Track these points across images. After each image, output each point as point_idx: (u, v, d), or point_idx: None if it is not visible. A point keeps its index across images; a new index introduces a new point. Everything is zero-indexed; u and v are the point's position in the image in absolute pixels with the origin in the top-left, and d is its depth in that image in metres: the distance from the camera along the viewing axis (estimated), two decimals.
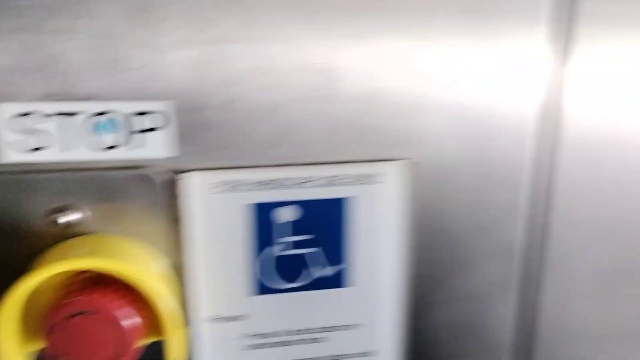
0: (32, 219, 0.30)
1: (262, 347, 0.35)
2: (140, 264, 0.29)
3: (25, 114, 0.29)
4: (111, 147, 0.30)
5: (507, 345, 0.39)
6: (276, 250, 0.33)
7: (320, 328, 0.35)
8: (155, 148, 0.30)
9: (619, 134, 0.36)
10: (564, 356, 0.39)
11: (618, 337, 0.40)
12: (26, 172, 0.29)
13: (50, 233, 0.30)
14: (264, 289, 0.34)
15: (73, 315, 0.27)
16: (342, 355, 0.36)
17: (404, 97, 0.32)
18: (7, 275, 0.30)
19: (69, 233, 0.30)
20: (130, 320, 0.28)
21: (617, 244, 0.38)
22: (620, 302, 0.39)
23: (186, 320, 0.33)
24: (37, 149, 0.29)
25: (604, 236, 0.38)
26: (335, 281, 0.34)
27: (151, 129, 0.30)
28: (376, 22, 0.31)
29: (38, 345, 0.29)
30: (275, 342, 0.35)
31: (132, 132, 0.30)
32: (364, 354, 0.36)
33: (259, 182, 0.32)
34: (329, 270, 0.34)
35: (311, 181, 0.32)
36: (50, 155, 0.29)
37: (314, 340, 0.35)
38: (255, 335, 0.34)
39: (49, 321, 0.27)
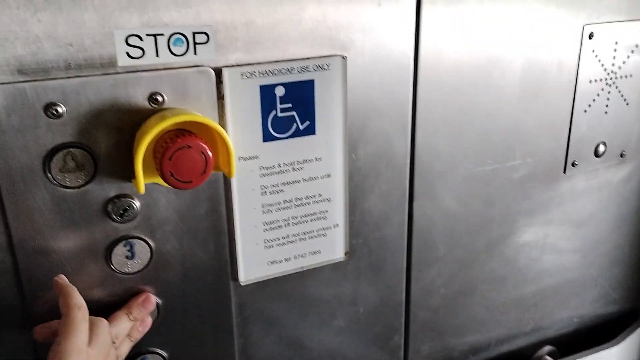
0: (135, 100, 0.50)
1: (268, 175, 0.58)
2: (205, 122, 0.51)
3: (131, 35, 0.48)
4: (182, 54, 0.50)
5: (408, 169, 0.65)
6: (272, 114, 0.56)
7: (301, 160, 0.59)
8: (207, 54, 0.51)
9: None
10: (434, 169, 0.67)
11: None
12: (131, 71, 0.49)
13: (148, 109, 0.50)
14: (269, 137, 0.56)
15: (178, 150, 0.49)
16: (314, 177, 0.60)
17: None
18: (122, 136, 0.50)
19: (159, 109, 0.51)
20: (210, 152, 0.50)
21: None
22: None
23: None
24: (138, 57, 0.49)
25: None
26: (308, 131, 0.58)
27: (201, 43, 0.51)
28: None
29: (151, 178, 0.50)
30: (276, 172, 0.58)
31: (194, 44, 0.50)
32: (326, 175, 0.61)
33: (263, 72, 0.54)
34: (304, 125, 0.58)
35: (293, 70, 0.55)
36: (146, 60, 0.49)
37: (296, 169, 0.59)
38: (262, 167, 0.58)
39: (165, 155, 0.48)
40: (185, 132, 0.50)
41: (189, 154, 0.49)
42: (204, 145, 0.49)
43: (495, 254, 0.76)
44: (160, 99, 0.51)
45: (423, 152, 0.66)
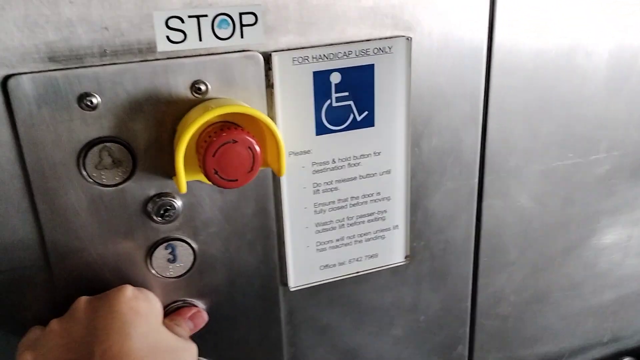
0: (176, 90, 0.45)
1: (321, 172, 0.52)
2: (253, 114, 0.46)
3: (171, 17, 0.43)
4: (227, 38, 0.45)
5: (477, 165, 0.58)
6: (328, 103, 0.50)
7: (358, 155, 0.53)
8: (255, 37, 0.46)
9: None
10: (507, 165, 0.60)
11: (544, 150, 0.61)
12: (172, 58, 0.44)
13: (190, 99, 0.45)
14: (323, 130, 0.51)
15: (223, 145, 0.44)
16: (372, 173, 0.54)
17: None
18: (162, 129, 0.45)
19: (202, 99, 0.46)
20: (258, 147, 0.45)
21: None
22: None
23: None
24: (180, 41, 0.44)
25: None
26: (366, 122, 0.52)
27: (248, 25, 0.45)
28: None
29: (194, 175, 0.45)
30: (330, 168, 0.52)
31: (241, 26, 0.45)
32: (386, 172, 0.54)
33: (317, 57, 0.48)
34: (362, 116, 0.52)
35: (350, 54, 0.49)
36: (188, 45, 0.44)
37: (353, 165, 0.53)
38: (315, 163, 0.52)
39: (208, 151, 0.43)
40: (230, 124, 0.45)
41: (235, 150, 0.44)
42: (251, 139, 0.44)
43: (572, 258, 0.68)
44: (203, 87, 0.45)
45: (495, 146, 0.58)
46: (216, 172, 0.44)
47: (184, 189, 0.44)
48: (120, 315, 0.43)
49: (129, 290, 0.46)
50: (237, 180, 0.45)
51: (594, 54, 0.59)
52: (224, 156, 0.44)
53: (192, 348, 0.47)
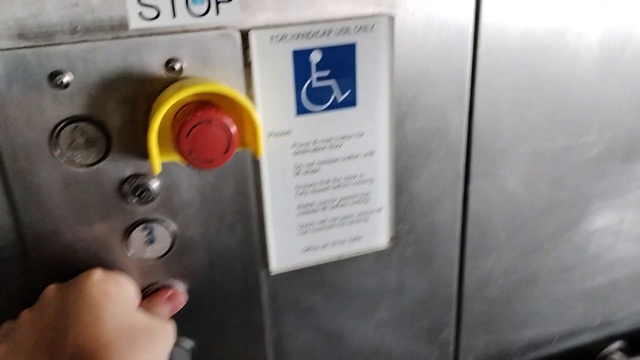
0: (150, 68, 0.44)
1: (303, 153, 0.51)
2: (229, 93, 0.44)
3: None
4: (203, 14, 0.44)
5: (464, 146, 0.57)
6: (308, 83, 0.49)
7: (340, 136, 0.52)
8: (232, 14, 0.44)
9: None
10: (495, 146, 0.58)
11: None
12: (145, 35, 0.43)
13: (164, 78, 0.44)
14: (303, 111, 0.50)
15: (197, 125, 0.43)
16: (354, 155, 0.53)
17: None
18: (136, 108, 0.44)
19: (177, 78, 0.45)
20: (234, 127, 0.44)
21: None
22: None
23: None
24: (153, 18, 0.43)
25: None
26: (348, 102, 0.51)
27: (227, 1, 0.44)
28: None
29: (170, 156, 0.45)
30: (311, 149, 0.51)
31: (217, 3, 0.44)
32: (369, 153, 0.54)
33: (296, 35, 0.47)
34: (344, 96, 0.50)
35: (331, 32, 0.48)
36: (162, 22, 0.43)
37: (335, 146, 0.52)
38: (296, 144, 0.51)
39: (182, 131, 0.43)
40: (206, 104, 0.44)
41: (210, 130, 0.43)
42: (226, 119, 0.43)
43: (562, 241, 0.67)
44: (178, 66, 0.44)
45: (482, 128, 0.57)
46: (191, 153, 0.43)
47: (157, 169, 0.43)
48: (90, 299, 0.43)
49: (97, 273, 0.45)
50: (212, 160, 0.44)
51: (585, 34, 0.57)
52: (199, 136, 0.43)
53: (168, 327, 0.47)
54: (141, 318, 0.46)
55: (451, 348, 0.68)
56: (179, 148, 0.43)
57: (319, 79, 0.49)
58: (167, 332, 0.47)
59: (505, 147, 0.59)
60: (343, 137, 0.52)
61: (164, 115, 0.42)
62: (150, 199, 0.47)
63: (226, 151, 0.44)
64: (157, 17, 0.43)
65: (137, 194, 0.47)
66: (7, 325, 0.46)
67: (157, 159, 0.43)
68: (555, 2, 0.55)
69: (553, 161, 0.62)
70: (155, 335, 0.45)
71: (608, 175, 0.66)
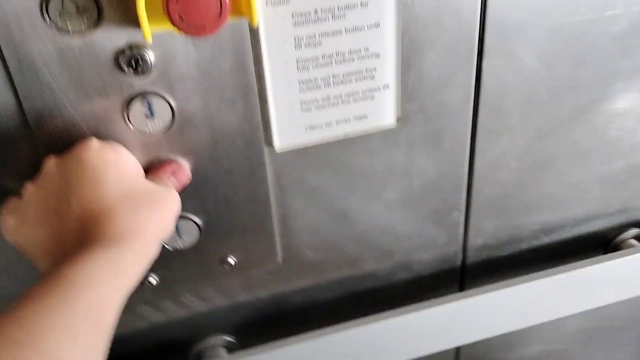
0: None
1: (303, 25, 0.49)
2: None
3: None
4: None
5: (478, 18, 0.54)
6: None
7: (343, 5, 0.49)
8: None
9: None
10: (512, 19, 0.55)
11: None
12: None
13: None
14: None
15: None
16: (359, 27, 0.51)
17: None
18: None
19: None
20: None
21: None
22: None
23: None
24: None
25: None
26: None
27: None
28: None
29: (163, 24, 0.43)
30: (312, 20, 0.49)
31: None
32: (374, 25, 0.51)
33: None
34: None
35: None
36: None
37: (337, 17, 0.50)
38: (295, 14, 0.49)
39: None
40: None
41: None
42: None
43: (581, 123, 0.65)
44: None
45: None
46: (180, 17, 0.42)
47: (148, 37, 0.42)
48: (90, 165, 0.44)
49: (94, 141, 0.46)
50: (204, 26, 0.42)
51: None
52: (188, 4, 0.41)
53: (174, 193, 0.48)
54: (145, 183, 0.47)
55: (460, 230, 0.68)
56: (168, 12, 0.41)
57: None
58: (172, 197, 0.47)
59: (522, 20, 0.55)
60: (346, 7, 0.49)
61: None
62: (146, 70, 0.46)
63: (218, 17, 0.42)
64: None
65: (132, 65, 0.46)
66: (12, 200, 0.47)
67: (147, 26, 0.42)
68: None
69: (574, 37, 0.58)
70: (160, 199, 0.46)
71: (634, 54, 0.62)
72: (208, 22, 0.42)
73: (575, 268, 0.69)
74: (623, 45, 0.60)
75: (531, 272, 0.69)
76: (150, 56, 0.46)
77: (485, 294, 0.66)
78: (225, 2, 0.42)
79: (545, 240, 0.73)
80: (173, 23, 0.42)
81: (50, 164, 0.46)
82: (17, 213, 0.46)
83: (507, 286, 0.67)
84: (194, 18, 0.42)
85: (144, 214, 0.44)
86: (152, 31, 0.43)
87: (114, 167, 0.45)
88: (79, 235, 0.42)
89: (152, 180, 0.49)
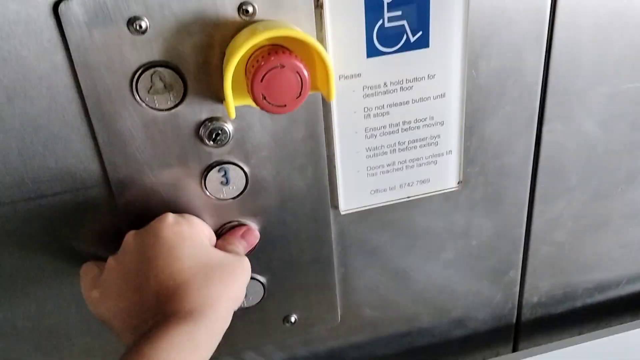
0: (224, 12, 0.44)
1: (373, 96, 0.51)
2: (301, 37, 0.44)
3: None
4: None
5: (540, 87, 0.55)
6: (379, 24, 0.48)
7: (411, 78, 0.51)
8: None
9: None
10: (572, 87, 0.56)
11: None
12: None
13: (238, 21, 0.45)
14: (374, 52, 0.49)
15: (270, 70, 0.43)
16: (425, 97, 0.52)
17: None
18: (211, 53, 0.45)
19: (250, 21, 0.45)
20: (306, 71, 0.44)
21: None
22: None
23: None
24: None
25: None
26: (420, 44, 0.50)
27: None
28: None
29: (244, 100, 0.45)
30: (381, 92, 0.51)
31: None
32: (440, 95, 0.53)
33: None
34: (416, 36, 0.49)
35: None
36: None
37: (405, 89, 0.52)
38: (366, 87, 0.51)
39: (255, 76, 0.43)
40: (279, 47, 0.44)
41: (283, 75, 0.43)
42: (299, 64, 0.43)
43: (637, 185, 0.65)
44: (251, 9, 0.44)
45: (560, 67, 0.55)
46: (264, 98, 0.44)
47: (233, 114, 0.44)
48: (166, 241, 0.46)
49: (170, 217, 0.48)
50: (285, 105, 0.44)
51: None
52: (272, 81, 0.43)
53: (245, 262, 0.49)
54: (217, 255, 0.48)
55: (516, 289, 0.68)
56: (252, 93, 0.43)
57: (390, 19, 0.48)
58: (243, 267, 0.49)
59: (583, 87, 0.57)
60: (414, 79, 0.51)
61: (244, 55, 0.43)
62: (225, 141, 0.49)
63: (299, 95, 0.44)
64: None
65: (212, 137, 0.48)
66: (92, 269, 0.49)
67: (232, 104, 0.44)
68: None
69: (633, 102, 0.59)
70: (231, 270, 0.48)
71: None
72: (289, 100, 0.44)
73: (629, 329, 0.69)
74: None
75: (585, 329, 0.69)
76: (230, 128, 0.48)
77: (540, 354, 0.66)
78: (306, 83, 0.44)
79: (599, 298, 0.73)
80: (257, 103, 0.44)
81: (130, 238, 0.48)
82: (100, 287, 0.48)
83: (560, 347, 0.67)
84: (276, 98, 0.44)
85: (217, 287, 0.46)
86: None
87: (188, 241, 0.47)
88: (157, 308, 0.44)
89: (223, 245, 0.51)
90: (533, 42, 0.53)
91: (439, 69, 0.51)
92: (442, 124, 0.54)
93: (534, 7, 0.51)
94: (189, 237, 0.47)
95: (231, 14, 0.44)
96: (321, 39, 0.47)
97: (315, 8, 0.46)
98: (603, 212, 0.66)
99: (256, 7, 0.44)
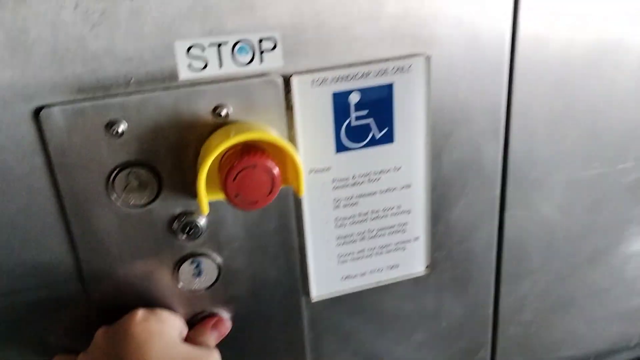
0: (198, 115, 0.46)
1: (342, 188, 0.53)
2: (272, 136, 0.47)
3: (192, 46, 0.45)
4: (247, 63, 0.46)
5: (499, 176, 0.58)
6: (346, 122, 0.51)
7: (378, 171, 0.54)
8: (275, 61, 0.47)
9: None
10: (530, 175, 0.59)
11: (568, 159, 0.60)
12: (194, 84, 0.46)
13: (212, 123, 0.47)
14: (342, 148, 0.52)
15: (242, 170, 0.45)
16: (392, 188, 0.55)
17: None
18: (186, 152, 0.47)
19: (224, 122, 0.47)
20: (277, 169, 0.46)
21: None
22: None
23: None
24: (201, 69, 0.45)
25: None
26: (386, 139, 0.53)
27: (268, 50, 0.46)
28: None
29: (217, 195, 0.47)
30: (350, 184, 0.53)
31: (260, 52, 0.46)
32: (406, 186, 0.55)
33: (336, 78, 0.49)
34: (382, 133, 0.52)
35: (369, 74, 0.50)
36: (209, 72, 0.46)
37: (373, 180, 0.54)
38: (335, 180, 0.53)
39: (228, 176, 0.45)
40: (251, 147, 0.46)
41: (254, 174, 0.45)
42: (270, 164, 0.45)
43: (599, 265, 0.68)
44: (224, 112, 0.47)
45: (518, 157, 0.58)
46: (237, 196, 0.46)
47: (206, 210, 0.46)
48: (135, 337, 0.46)
49: (139, 313, 0.48)
50: (257, 202, 0.46)
51: (623, 59, 0.58)
52: (244, 180, 0.45)
53: (214, 355, 0.50)
54: (186, 349, 0.49)
55: None
56: (225, 192, 0.45)
57: (357, 118, 0.51)
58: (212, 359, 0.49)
59: (540, 176, 0.60)
60: (381, 172, 0.54)
61: (217, 155, 0.45)
62: (198, 235, 0.50)
63: (270, 193, 0.46)
64: (205, 67, 0.46)
65: (186, 231, 0.50)
66: None
67: (206, 202, 0.46)
68: (591, 32, 0.55)
69: (589, 188, 0.62)
70: None
71: None
72: (260, 198, 0.46)
73: None
74: (635, 193, 0.65)
75: None
76: (202, 222, 0.50)
77: None
78: (277, 181, 0.46)
79: None
80: (229, 200, 0.45)
81: (99, 335, 0.48)
82: None
83: None
84: (248, 196, 0.46)
85: None
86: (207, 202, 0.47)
87: (157, 337, 0.47)
88: None
89: (194, 336, 0.51)
90: (491, 135, 0.56)
91: (404, 162, 0.54)
92: (409, 212, 0.57)
93: (491, 104, 0.55)
94: (158, 333, 0.48)
95: (205, 117, 0.47)
96: (292, 137, 0.50)
97: (286, 109, 0.49)
98: (567, 292, 0.68)
99: (230, 109, 0.47)
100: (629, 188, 0.64)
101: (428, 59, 0.51)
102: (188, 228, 0.50)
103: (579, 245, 0.65)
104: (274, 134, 0.47)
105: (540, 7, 0.53)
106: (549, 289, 0.67)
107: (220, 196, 0.48)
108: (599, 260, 0.67)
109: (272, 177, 0.46)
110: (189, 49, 0.45)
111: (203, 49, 0.45)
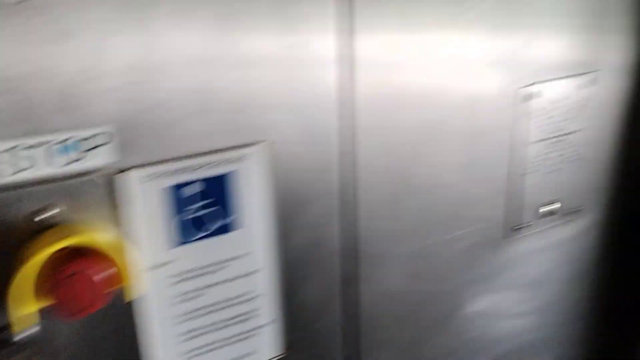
0: (21, 218, 0.43)
1: (184, 281, 0.52)
2: (101, 236, 0.45)
3: (13, 147, 0.42)
4: (76, 161, 0.44)
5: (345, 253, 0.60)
6: (186, 214, 0.50)
7: (223, 259, 0.53)
8: (102, 159, 0.45)
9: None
10: (376, 250, 0.62)
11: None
12: (19, 187, 0.43)
13: (36, 227, 0.44)
14: (180, 241, 0.50)
15: (66, 277, 0.42)
16: (240, 274, 0.54)
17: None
18: (6, 260, 0.43)
19: (50, 224, 0.44)
20: (99, 275, 0.43)
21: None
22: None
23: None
24: (25, 169, 0.42)
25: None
26: (229, 228, 0.52)
27: (96, 147, 0.45)
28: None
29: (38, 304, 0.43)
30: (193, 276, 0.52)
31: (85, 151, 0.44)
32: (254, 272, 0.55)
33: (170, 171, 0.48)
34: (224, 221, 0.52)
35: (205, 165, 0.49)
36: (34, 173, 0.43)
37: (219, 270, 0.53)
38: (178, 274, 0.51)
39: (49, 288, 0.42)
40: (78, 250, 0.44)
41: (77, 282, 0.42)
42: (93, 270, 0.43)
43: (447, 328, 0.71)
44: (50, 214, 0.44)
45: (364, 233, 0.60)
46: (61, 306, 0.43)
47: (18, 328, 0.42)
48: None
49: None
50: (82, 310, 0.43)
51: (449, 138, 0.62)
52: (66, 290, 0.42)
53: None
54: None
55: None
56: (51, 303, 0.42)
57: (196, 209, 0.50)
58: None
59: (384, 250, 0.62)
60: (226, 260, 0.53)
61: (38, 262, 0.42)
62: (24, 347, 0.46)
63: (97, 299, 0.43)
64: (30, 167, 0.43)
65: (10, 344, 0.45)
66: None
67: (17, 318, 0.42)
68: (419, 114, 0.60)
69: (428, 257, 0.66)
70: None
71: (479, 264, 0.71)
72: (86, 305, 0.43)
73: None
74: (469, 258, 0.69)
75: None
76: (27, 333, 0.46)
77: None
78: (103, 286, 0.43)
79: None
80: (54, 312, 0.42)
81: None
82: None
83: None
84: (72, 306, 0.42)
85: None
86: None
87: None
88: None
89: None
90: (335, 215, 0.58)
91: (250, 248, 0.54)
92: (258, 298, 0.56)
93: (333, 185, 0.57)
94: None
95: (29, 220, 0.43)
96: (125, 234, 0.48)
97: (118, 206, 0.47)
98: (423, 355, 0.71)
99: (58, 209, 0.44)
100: (462, 254, 0.68)
101: (266, 146, 0.52)
102: (11, 341, 0.45)
103: (426, 312, 0.68)
104: (99, 236, 0.44)
105: (371, 98, 0.56)
106: (405, 356, 0.69)
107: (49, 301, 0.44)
108: (447, 324, 0.71)
109: (98, 283, 0.43)
110: (10, 150, 0.42)
111: (26, 148, 0.42)
